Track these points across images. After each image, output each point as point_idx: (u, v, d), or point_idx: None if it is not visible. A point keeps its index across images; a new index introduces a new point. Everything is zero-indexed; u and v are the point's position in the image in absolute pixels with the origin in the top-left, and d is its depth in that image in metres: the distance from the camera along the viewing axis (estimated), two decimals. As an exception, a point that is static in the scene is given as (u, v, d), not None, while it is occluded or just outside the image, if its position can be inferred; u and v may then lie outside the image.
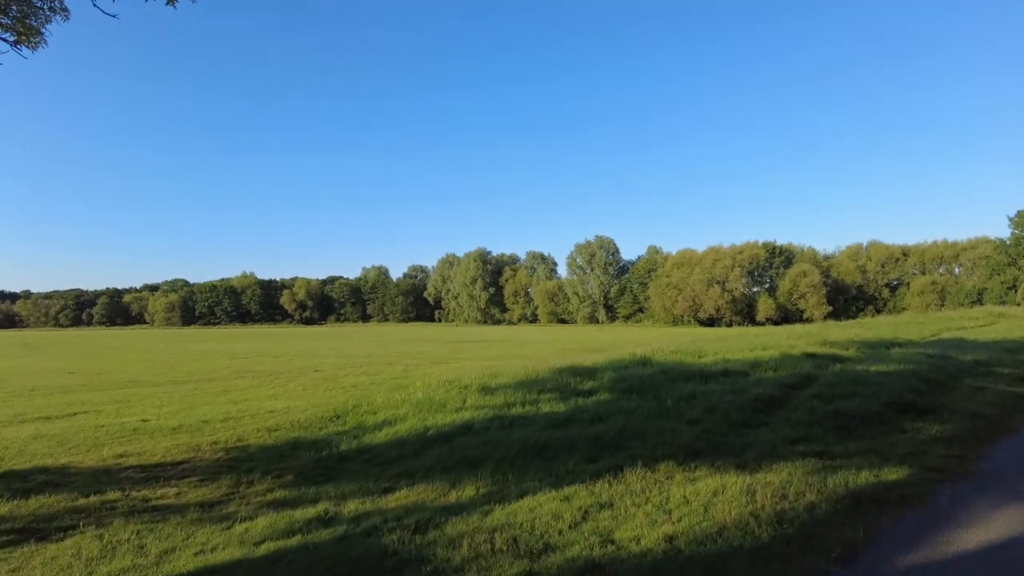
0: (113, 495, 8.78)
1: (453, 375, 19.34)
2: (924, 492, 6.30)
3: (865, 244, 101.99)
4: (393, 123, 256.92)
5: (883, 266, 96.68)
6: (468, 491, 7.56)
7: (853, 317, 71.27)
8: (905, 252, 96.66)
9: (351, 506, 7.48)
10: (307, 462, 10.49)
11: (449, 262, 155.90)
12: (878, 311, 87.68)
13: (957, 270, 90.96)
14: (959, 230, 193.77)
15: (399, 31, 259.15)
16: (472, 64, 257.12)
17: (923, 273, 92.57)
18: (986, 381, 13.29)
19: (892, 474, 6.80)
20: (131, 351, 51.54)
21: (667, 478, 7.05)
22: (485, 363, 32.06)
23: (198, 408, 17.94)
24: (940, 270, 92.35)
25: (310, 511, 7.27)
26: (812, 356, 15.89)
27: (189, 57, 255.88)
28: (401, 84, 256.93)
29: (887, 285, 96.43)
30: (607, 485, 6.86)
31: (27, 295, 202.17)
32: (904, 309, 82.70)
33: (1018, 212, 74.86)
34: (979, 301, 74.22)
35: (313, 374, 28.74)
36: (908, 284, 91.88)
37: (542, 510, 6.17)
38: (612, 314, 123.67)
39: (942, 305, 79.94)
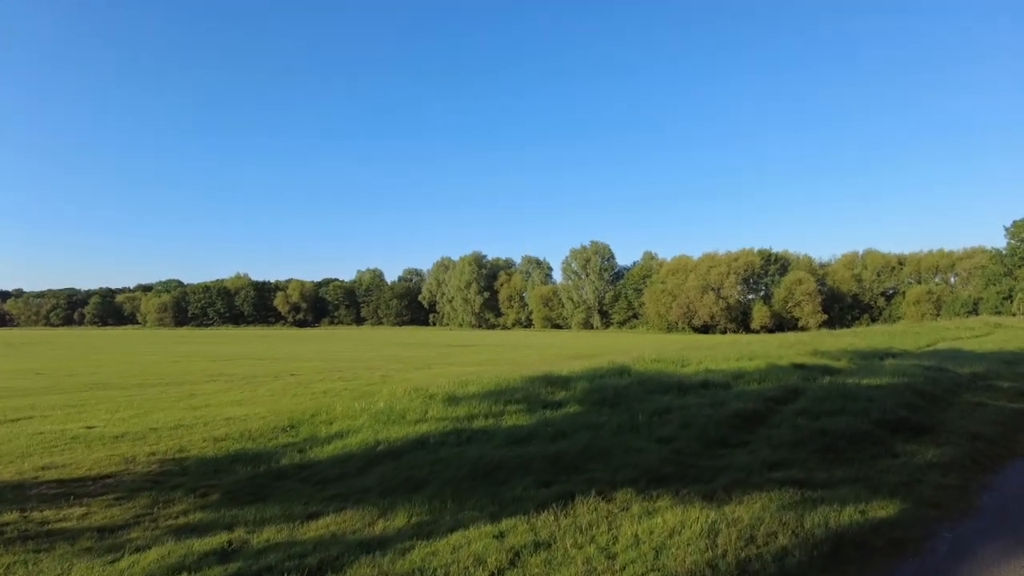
0: (9, 516, 7.79)
1: (424, 382, 18.42)
2: (919, 535, 5.34)
3: (861, 252, 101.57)
4: (390, 125, 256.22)
5: (879, 275, 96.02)
6: (398, 520, 6.61)
7: (848, 326, 70.76)
8: (901, 261, 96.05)
9: (265, 535, 6.54)
10: (241, 478, 9.53)
11: (444, 265, 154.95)
12: (873, 320, 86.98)
13: (953, 280, 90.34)
14: (955, 240, 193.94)
15: (395, 36, 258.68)
16: (470, 69, 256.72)
17: (919, 282, 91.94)
18: (985, 396, 12.39)
19: (882, 509, 5.85)
20: (113, 352, 50.47)
21: (622, 510, 6.11)
22: (469, 369, 31.17)
23: (154, 414, 16.98)
24: (936, 279, 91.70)
25: (214, 541, 6.32)
26: (801, 367, 14.98)
27: (183, 58, 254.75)
28: (398, 87, 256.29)
29: (883, 294, 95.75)
30: (552, 517, 5.92)
31: (19, 294, 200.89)
32: (900, 318, 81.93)
33: (1014, 222, 74.40)
34: (975, 311, 73.62)
35: (289, 378, 27.80)
36: (904, 293, 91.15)
37: (467, 550, 5.22)
38: (607, 320, 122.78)
39: (938, 314, 79.19)
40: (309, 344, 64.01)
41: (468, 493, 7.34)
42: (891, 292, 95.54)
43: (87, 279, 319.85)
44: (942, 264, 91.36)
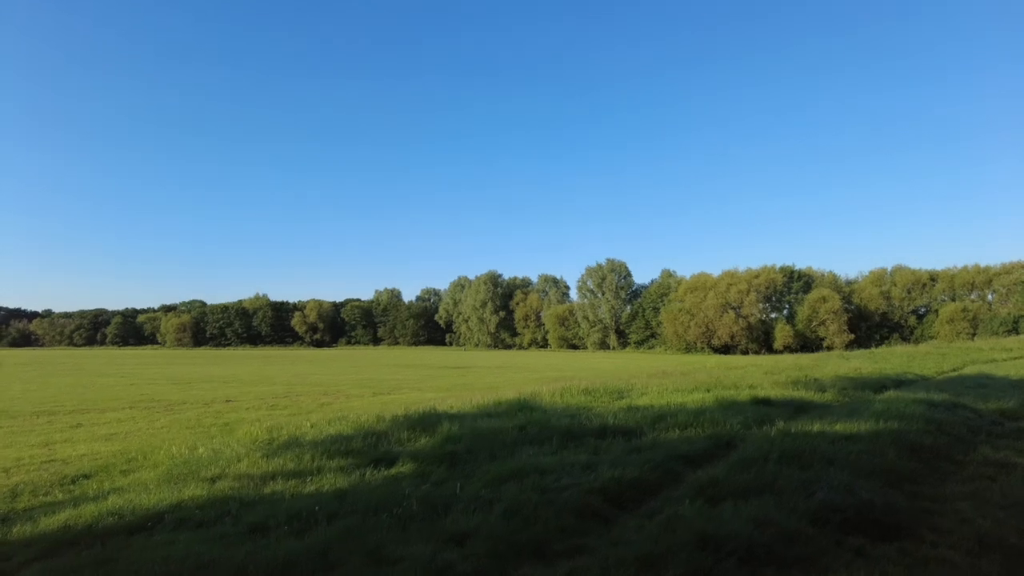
0: None
1: (311, 418, 15.28)
2: None
3: (889, 269, 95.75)
4: (410, 145, 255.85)
5: (909, 292, 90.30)
6: None
7: (877, 345, 65.82)
8: (933, 277, 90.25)
9: None
10: None
11: (461, 285, 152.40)
12: (905, 339, 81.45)
13: (990, 297, 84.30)
14: (992, 254, 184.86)
15: (407, 45, 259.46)
16: (484, 90, 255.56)
17: (953, 299, 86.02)
18: (1012, 449, 8.66)
19: None
20: (83, 373, 48.15)
21: None
22: (428, 395, 28.01)
23: (-16, 455, 14.10)
24: (972, 296, 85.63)
25: None
26: (764, 402, 11.34)
27: (204, 85, 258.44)
28: (418, 108, 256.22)
29: (914, 312, 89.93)
30: None
31: (47, 314, 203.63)
32: (932, 337, 76.54)
33: (1057, 235, 69.03)
34: (1015, 330, 68.13)
35: (220, 405, 24.89)
36: (937, 311, 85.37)
37: None
38: (624, 340, 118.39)
39: (974, 334, 73.64)
40: (299, 365, 61.16)
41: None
42: (923, 310, 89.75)
43: (114, 300, 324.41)
44: (978, 280, 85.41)
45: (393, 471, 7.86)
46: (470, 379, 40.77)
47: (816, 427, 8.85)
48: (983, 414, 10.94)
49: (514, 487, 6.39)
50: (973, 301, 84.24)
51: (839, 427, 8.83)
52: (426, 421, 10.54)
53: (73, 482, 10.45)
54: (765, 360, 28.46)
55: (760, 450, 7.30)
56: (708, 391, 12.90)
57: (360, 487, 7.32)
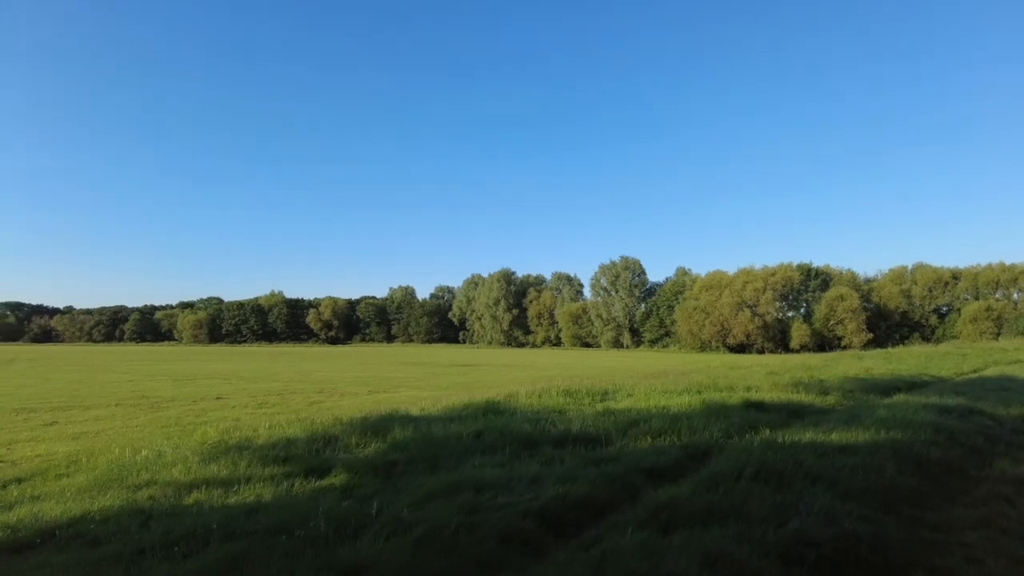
0: None
1: (298, 415, 14.53)
2: None
3: (910, 267, 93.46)
4: (424, 142, 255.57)
5: (930, 290, 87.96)
6: None
7: (896, 345, 64.11)
8: (955, 275, 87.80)
9: None
10: None
11: (474, 283, 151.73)
12: (925, 339, 79.36)
13: (1016, 295, 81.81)
14: (1018, 252, 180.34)
15: (423, 51, 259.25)
16: (496, 87, 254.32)
17: (976, 298, 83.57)
18: (1034, 463, 7.58)
19: None
20: (84, 368, 48.20)
21: None
22: (425, 393, 27.23)
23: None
24: (996, 295, 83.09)
25: None
26: (757, 407, 10.33)
27: (221, 81, 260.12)
28: (432, 105, 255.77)
29: (935, 311, 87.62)
30: None
31: (68, 311, 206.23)
32: (955, 337, 74.42)
33: (1086, 231, 66.70)
34: (1042, 330, 65.94)
35: (210, 402, 24.52)
36: (959, 310, 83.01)
37: None
38: (638, 338, 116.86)
39: (998, 334, 71.47)
40: (307, 362, 60.79)
41: None
42: (945, 309, 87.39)
43: (134, 297, 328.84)
44: (1003, 278, 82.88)
45: (324, 482, 7.01)
46: (472, 378, 39.96)
47: (807, 436, 7.83)
48: (1003, 421, 9.86)
49: (442, 506, 5.51)
50: (997, 300, 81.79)
51: (834, 436, 7.80)
52: (380, 425, 9.66)
53: (4, 487, 9.77)
54: (772, 360, 27.28)
55: (735, 464, 6.29)
56: (698, 393, 11.91)
57: (280, 501, 6.48)
